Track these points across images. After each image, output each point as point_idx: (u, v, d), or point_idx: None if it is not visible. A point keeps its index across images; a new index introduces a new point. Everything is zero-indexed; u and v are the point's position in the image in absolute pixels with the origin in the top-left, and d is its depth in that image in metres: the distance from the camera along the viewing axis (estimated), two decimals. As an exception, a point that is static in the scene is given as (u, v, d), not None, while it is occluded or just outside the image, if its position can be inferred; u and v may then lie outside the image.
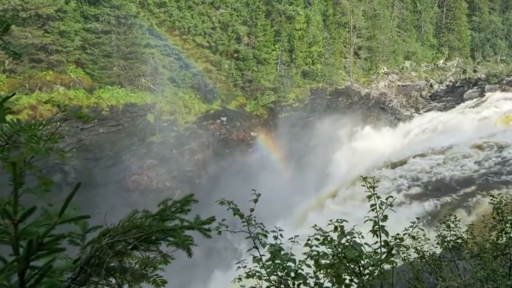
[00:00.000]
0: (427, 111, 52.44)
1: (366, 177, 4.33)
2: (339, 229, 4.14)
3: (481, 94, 54.11)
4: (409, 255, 5.91)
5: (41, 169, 2.46)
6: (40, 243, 2.15)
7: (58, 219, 2.25)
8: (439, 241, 6.19)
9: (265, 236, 4.46)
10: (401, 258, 5.37)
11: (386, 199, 4.31)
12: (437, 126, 44.66)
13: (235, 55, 39.49)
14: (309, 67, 44.57)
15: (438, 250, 6.61)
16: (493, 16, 61.89)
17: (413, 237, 5.93)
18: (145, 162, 32.84)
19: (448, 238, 6.10)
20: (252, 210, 4.43)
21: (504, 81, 55.69)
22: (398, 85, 53.82)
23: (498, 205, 5.97)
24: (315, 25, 45.07)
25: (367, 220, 4.26)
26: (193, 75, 36.97)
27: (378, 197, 4.24)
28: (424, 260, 5.63)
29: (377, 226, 4.12)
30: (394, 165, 32.94)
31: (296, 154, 40.23)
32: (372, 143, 42.21)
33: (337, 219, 4.24)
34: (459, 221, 6.48)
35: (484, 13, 61.45)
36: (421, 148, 34.85)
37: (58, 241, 2.25)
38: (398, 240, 4.29)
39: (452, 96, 56.19)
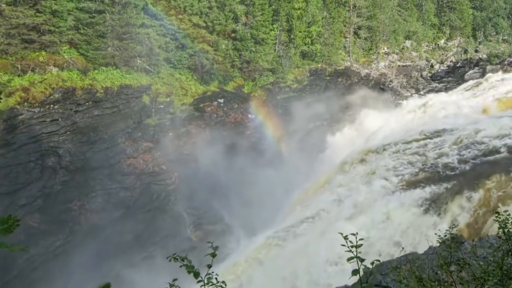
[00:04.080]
0: (427, 91, 51.78)
1: (346, 236, 3.62)
2: None
3: (482, 75, 53.36)
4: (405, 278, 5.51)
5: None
6: None
7: None
8: (439, 263, 5.80)
9: None
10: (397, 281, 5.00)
11: (372, 263, 3.60)
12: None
13: (233, 35, 38.62)
14: (308, 47, 43.81)
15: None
16: (495, -5, 60.89)
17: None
18: (141, 145, 32.35)
19: (448, 260, 5.72)
20: (209, 266, 3.81)
21: (506, 62, 54.88)
22: (399, 65, 53.17)
23: (504, 223, 5.60)
24: (314, 4, 44.16)
25: None
26: (190, 56, 36.20)
27: (362, 260, 3.51)
28: (421, 284, 5.24)
29: None
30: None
31: (295, 136, 39.87)
32: (371, 125, 41.63)
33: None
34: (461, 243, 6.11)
35: (487, -8, 60.51)
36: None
37: None
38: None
39: (453, 76, 55.57)
